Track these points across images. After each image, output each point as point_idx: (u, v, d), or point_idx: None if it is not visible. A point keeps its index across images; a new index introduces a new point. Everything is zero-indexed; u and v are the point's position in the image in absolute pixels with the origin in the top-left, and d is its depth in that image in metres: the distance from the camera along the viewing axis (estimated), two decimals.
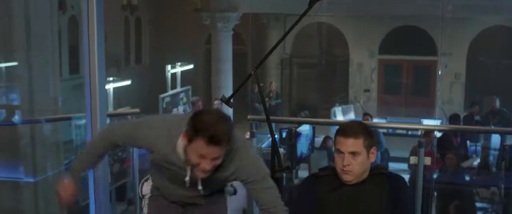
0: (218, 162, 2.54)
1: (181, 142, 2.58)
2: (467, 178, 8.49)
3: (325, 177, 2.87)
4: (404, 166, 8.60)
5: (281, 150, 8.52)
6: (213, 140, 2.45)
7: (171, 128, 2.66)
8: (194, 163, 2.54)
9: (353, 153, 2.73)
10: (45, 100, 6.45)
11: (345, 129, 2.80)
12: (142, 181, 3.17)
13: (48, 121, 6.22)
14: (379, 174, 2.85)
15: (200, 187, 2.69)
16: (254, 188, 2.72)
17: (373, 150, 2.80)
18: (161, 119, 3.00)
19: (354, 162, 2.74)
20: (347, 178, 2.77)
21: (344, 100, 16.35)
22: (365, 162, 2.77)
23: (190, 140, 2.51)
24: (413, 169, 6.49)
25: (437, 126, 6.91)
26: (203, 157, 2.50)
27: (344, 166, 2.75)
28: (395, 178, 2.89)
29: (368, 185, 2.82)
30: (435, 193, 7.80)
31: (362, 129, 2.80)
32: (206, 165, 2.52)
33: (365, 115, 10.45)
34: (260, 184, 2.72)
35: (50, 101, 6.48)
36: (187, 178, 2.67)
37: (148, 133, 2.70)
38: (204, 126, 2.47)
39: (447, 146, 8.50)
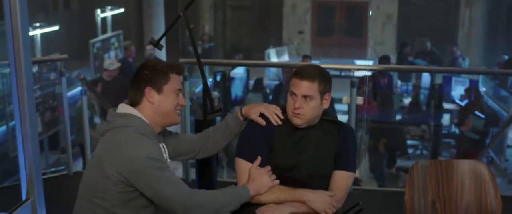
0: None
1: (149, 105, 2.54)
2: (399, 117, 8.69)
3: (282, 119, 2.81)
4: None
5: (216, 93, 8.53)
6: (182, 70, 2.61)
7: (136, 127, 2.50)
8: (175, 104, 2.56)
9: (306, 96, 2.67)
10: None
11: (302, 71, 2.71)
12: None
13: None
14: (331, 121, 2.81)
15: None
16: None
17: (327, 96, 2.73)
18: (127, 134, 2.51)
19: (306, 106, 2.68)
20: (297, 121, 2.71)
21: (278, 43, 16.35)
22: (317, 107, 2.70)
23: (165, 82, 2.53)
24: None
25: (369, 65, 6.97)
26: (179, 91, 2.58)
27: (295, 109, 2.69)
28: (346, 127, 2.86)
29: (319, 131, 2.79)
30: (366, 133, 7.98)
31: (318, 73, 2.71)
32: (183, 99, 2.61)
33: (305, 56, 10.48)
34: None
35: None
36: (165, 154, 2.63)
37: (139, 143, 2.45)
38: (164, 63, 2.61)
39: (375, 86, 8.63)
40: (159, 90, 2.51)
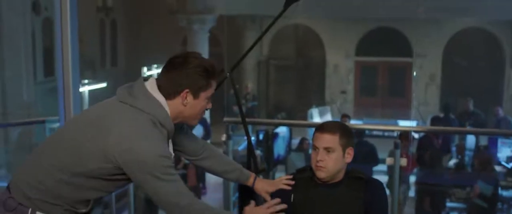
0: None
1: (180, 106, 2.47)
2: (444, 178, 8.54)
3: (302, 179, 2.86)
4: (381, 167, 8.63)
5: (258, 152, 8.54)
6: (221, 73, 2.63)
7: (142, 122, 2.40)
8: (203, 109, 2.51)
9: (328, 149, 2.74)
10: (18, 103, 6.36)
11: (323, 125, 2.82)
12: None
13: (21, 124, 6.15)
14: (356, 177, 2.83)
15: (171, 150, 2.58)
16: None
17: (350, 150, 2.78)
18: (130, 123, 2.42)
19: (327, 158, 2.74)
20: (321, 174, 2.76)
21: (321, 102, 16.38)
22: (339, 160, 2.76)
23: (204, 89, 2.45)
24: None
25: (413, 127, 6.93)
26: (211, 97, 2.51)
27: (317, 162, 2.75)
28: (373, 183, 2.87)
29: (344, 187, 2.81)
30: (414, 193, 7.88)
31: (339, 127, 2.81)
32: (210, 103, 2.53)
33: (344, 116, 10.51)
34: None
35: (23, 104, 6.40)
36: (171, 149, 2.55)
37: (148, 142, 2.35)
38: (212, 68, 2.47)
39: (427, 147, 8.55)
40: (196, 95, 2.46)
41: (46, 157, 2.45)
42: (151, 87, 2.44)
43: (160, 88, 2.44)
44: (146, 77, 2.53)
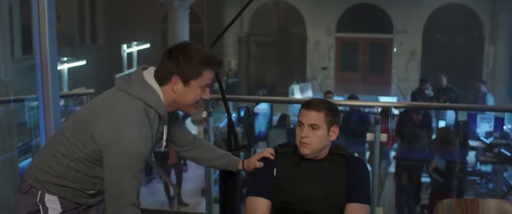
0: None
1: (171, 93, 2.48)
2: (424, 154, 8.60)
3: (285, 154, 2.87)
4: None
5: (239, 129, 8.53)
6: (220, 64, 2.55)
7: (132, 105, 2.44)
8: (196, 98, 2.50)
9: (313, 126, 2.74)
10: None
11: (309, 102, 2.82)
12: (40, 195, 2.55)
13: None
14: (339, 154, 2.85)
15: (164, 143, 2.64)
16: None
17: (335, 128, 2.79)
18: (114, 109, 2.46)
19: (312, 135, 2.75)
20: (304, 150, 2.77)
21: (302, 79, 16.40)
22: (324, 138, 2.77)
23: (194, 78, 2.46)
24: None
25: (393, 103, 6.95)
26: (206, 86, 2.51)
27: (302, 138, 2.76)
28: (356, 161, 2.90)
29: (327, 163, 2.82)
30: (394, 169, 7.94)
31: (326, 104, 2.81)
32: (208, 93, 2.54)
33: (327, 92, 10.54)
34: None
35: (1, 83, 6.31)
36: (165, 137, 2.61)
37: (133, 131, 2.39)
38: (209, 56, 2.50)
39: (407, 123, 8.59)
40: (186, 82, 2.47)
41: (56, 143, 2.53)
42: (149, 75, 2.51)
43: (156, 75, 2.50)
44: (145, 66, 2.58)
